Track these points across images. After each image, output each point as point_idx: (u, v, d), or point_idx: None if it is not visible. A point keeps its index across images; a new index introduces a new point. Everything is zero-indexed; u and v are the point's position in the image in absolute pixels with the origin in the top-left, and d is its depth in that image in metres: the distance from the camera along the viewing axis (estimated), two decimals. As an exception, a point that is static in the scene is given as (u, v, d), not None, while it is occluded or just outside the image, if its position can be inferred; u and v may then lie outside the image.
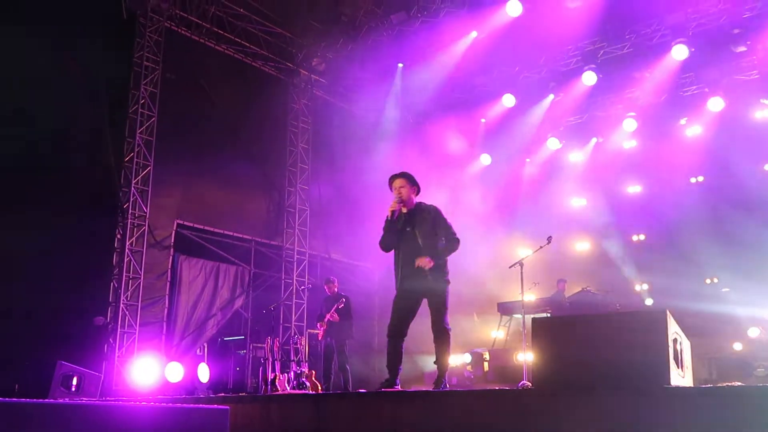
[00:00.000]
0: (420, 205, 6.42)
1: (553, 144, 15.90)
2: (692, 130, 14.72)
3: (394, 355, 6.25)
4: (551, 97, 14.82)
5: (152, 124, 12.24)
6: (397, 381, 6.19)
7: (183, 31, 13.13)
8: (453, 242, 6.30)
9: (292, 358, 11.91)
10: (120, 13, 12.09)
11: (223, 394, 10.03)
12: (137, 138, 12.01)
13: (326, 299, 10.94)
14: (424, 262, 6.06)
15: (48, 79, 10.85)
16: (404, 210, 6.36)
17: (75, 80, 11.15)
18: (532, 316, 9.68)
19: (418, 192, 6.46)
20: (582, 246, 15.77)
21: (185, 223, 12.77)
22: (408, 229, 6.28)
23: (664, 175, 14.73)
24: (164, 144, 12.32)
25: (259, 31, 14.04)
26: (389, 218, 6.31)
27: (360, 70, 14.43)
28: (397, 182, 6.37)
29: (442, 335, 6.18)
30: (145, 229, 11.93)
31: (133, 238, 11.78)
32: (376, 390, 6.10)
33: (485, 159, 16.36)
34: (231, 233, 13.55)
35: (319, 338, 10.82)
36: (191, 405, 3.69)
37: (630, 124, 14.87)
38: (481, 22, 12.95)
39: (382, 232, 6.37)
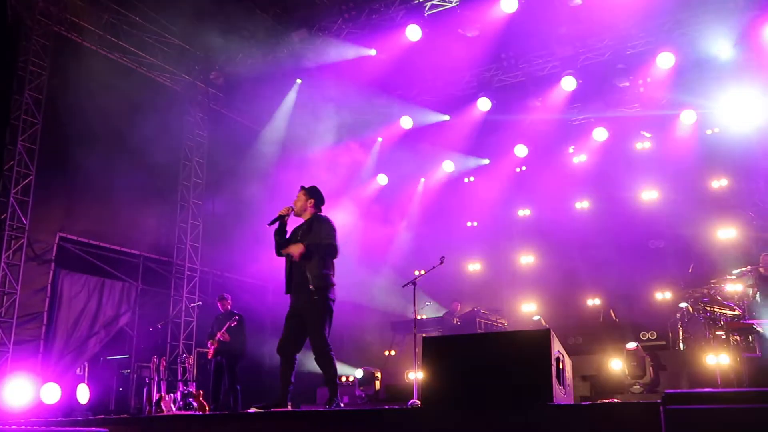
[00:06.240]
0: (315, 217, 6.63)
1: (448, 166, 16.25)
2: (579, 157, 15.45)
3: (283, 372, 6.23)
4: (446, 120, 15.21)
5: (36, 132, 11.64)
6: (288, 400, 6.13)
7: (74, 37, 12.57)
8: (326, 247, 6.37)
9: (180, 378, 11.52)
10: (4, 16, 11.48)
11: (103, 416, 9.57)
12: (18, 145, 11.39)
13: (218, 317, 10.71)
14: (293, 248, 6.28)
15: None
16: (302, 217, 6.66)
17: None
18: (424, 335, 9.80)
19: (316, 206, 6.68)
20: (474, 266, 16.15)
21: (68, 236, 12.16)
22: (290, 236, 6.56)
23: (552, 199, 15.35)
24: (48, 153, 11.74)
25: (155, 41, 13.65)
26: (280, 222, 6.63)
27: (259, 85, 14.30)
28: (299, 193, 6.74)
29: (323, 355, 6.16)
30: (24, 242, 11.29)
31: (11, 251, 11.14)
32: (263, 410, 5.98)
33: (382, 179, 16.53)
34: (118, 248, 13.01)
35: (209, 357, 10.55)
36: (67, 428, 3.50)
37: (521, 150, 15.45)
38: (381, 45, 13.15)
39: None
